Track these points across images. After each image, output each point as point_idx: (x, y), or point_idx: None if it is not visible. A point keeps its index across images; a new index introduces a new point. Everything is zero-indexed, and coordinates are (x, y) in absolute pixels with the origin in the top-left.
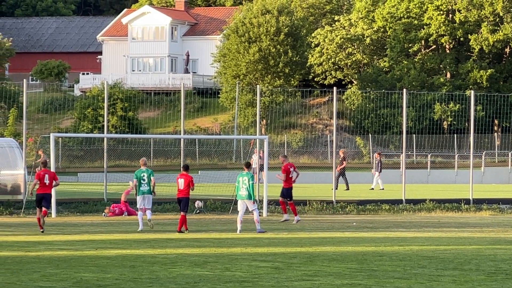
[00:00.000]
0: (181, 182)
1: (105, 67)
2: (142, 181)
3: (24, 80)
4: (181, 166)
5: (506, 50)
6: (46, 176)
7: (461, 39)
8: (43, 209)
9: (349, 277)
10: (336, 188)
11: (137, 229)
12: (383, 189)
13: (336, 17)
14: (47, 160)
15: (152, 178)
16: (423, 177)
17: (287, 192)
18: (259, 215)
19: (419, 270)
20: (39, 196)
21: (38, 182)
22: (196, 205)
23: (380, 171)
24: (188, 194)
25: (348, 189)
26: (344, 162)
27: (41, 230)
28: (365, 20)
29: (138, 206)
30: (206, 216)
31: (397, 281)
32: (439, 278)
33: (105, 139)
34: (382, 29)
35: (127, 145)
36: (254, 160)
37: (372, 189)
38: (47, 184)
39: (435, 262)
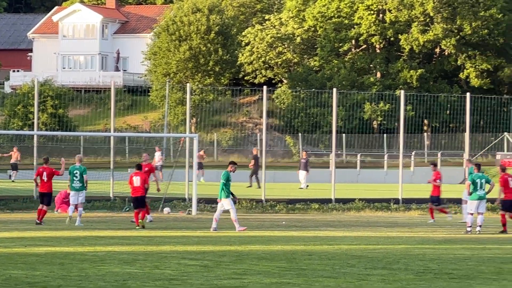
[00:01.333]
0: (137, 180)
1: (35, 65)
2: (74, 177)
3: None
4: (109, 162)
5: (436, 50)
6: (44, 173)
7: (392, 39)
8: (44, 206)
9: (278, 276)
10: (250, 186)
11: (65, 226)
12: (302, 188)
13: (267, 16)
14: (48, 157)
15: (84, 175)
16: (352, 176)
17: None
18: (189, 213)
19: (348, 269)
20: (40, 194)
21: (38, 178)
22: (165, 211)
23: (307, 170)
24: (144, 192)
25: (258, 187)
26: (253, 160)
27: (39, 222)
28: (296, 19)
29: (71, 202)
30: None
31: (326, 280)
32: (367, 277)
33: (35, 136)
34: (313, 29)
35: (57, 142)
36: (157, 159)
37: (301, 188)
38: (45, 181)
39: (364, 261)
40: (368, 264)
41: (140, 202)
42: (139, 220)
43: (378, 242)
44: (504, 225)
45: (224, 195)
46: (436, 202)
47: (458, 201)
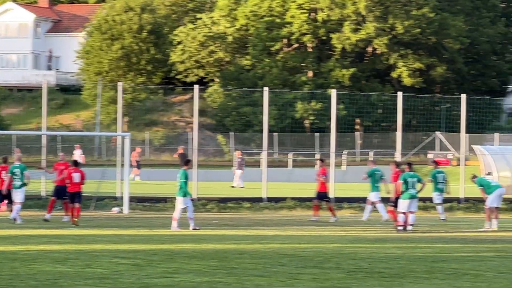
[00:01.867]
0: (76, 176)
1: None
2: (15, 176)
3: None
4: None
5: (368, 49)
6: (3, 172)
7: (324, 38)
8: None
9: (209, 275)
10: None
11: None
12: (234, 186)
13: (199, 15)
14: (7, 157)
15: (25, 172)
16: (284, 175)
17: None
18: (121, 212)
19: (279, 268)
20: None
21: None
22: (114, 211)
23: (242, 169)
24: (81, 189)
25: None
26: (178, 157)
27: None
28: (228, 18)
29: (14, 200)
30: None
31: (257, 279)
32: (299, 276)
33: None
34: (245, 27)
35: None
36: (76, 156)
37: (233, 187)
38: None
39: (295, 260)
40: (299, 263)
41: (77, 198)
42: (74, 219)
43: (309, 241)
44: (396, 220)
45: (181, 194)
46: (325, 198)
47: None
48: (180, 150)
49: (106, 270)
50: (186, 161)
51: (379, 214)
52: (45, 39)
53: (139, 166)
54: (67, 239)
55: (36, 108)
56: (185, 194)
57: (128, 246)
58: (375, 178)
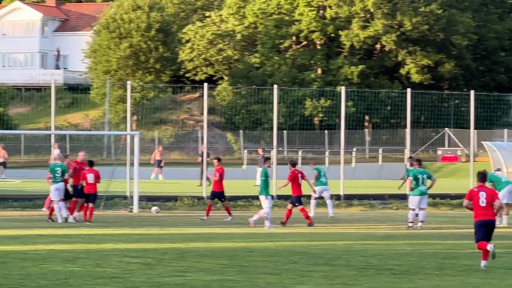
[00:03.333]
0: (91, 177)
1: None
2: (56, 174)
3: None
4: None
5: (376, 46)
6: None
7: (332, 35)
8: None
9: (220, 273)
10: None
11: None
12: (258, 185)
13: (207, 13)
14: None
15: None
16: None
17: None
18: (131, 211)
19: (290, 265)
20: None
21: None
22: (153, 211)
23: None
24: (97, 188)
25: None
26: (200, 157)
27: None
28: (236, 16)
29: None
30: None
31: (268, 276)
32: (309, 273)
33: None
34: (253, 25)
35: None
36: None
37: (256, 185)
38: None
39: (306, 257)
40: (310, 260)
41: (93, 198)
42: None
43: (320, 239)
44: (287, 217)
45: (265, 192)
46: (221, 198)
47: (401, 197)
48: (203, 148)
49: (116, 269)
50: (265, 159)
51: (386, 211)
52: (53, 38)
53: (160, 165)
54: (76, 239)
55: (45, 108)
56: (268, 192)
57: (138, 245)
58: (320, 175)
